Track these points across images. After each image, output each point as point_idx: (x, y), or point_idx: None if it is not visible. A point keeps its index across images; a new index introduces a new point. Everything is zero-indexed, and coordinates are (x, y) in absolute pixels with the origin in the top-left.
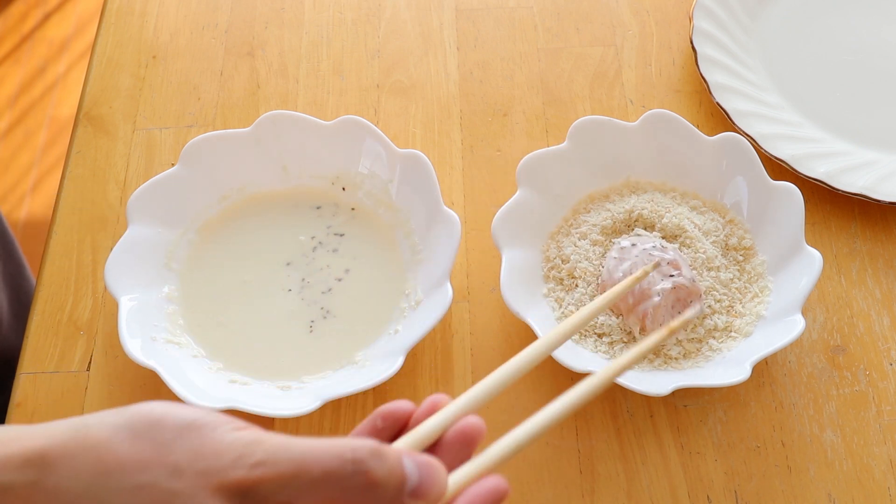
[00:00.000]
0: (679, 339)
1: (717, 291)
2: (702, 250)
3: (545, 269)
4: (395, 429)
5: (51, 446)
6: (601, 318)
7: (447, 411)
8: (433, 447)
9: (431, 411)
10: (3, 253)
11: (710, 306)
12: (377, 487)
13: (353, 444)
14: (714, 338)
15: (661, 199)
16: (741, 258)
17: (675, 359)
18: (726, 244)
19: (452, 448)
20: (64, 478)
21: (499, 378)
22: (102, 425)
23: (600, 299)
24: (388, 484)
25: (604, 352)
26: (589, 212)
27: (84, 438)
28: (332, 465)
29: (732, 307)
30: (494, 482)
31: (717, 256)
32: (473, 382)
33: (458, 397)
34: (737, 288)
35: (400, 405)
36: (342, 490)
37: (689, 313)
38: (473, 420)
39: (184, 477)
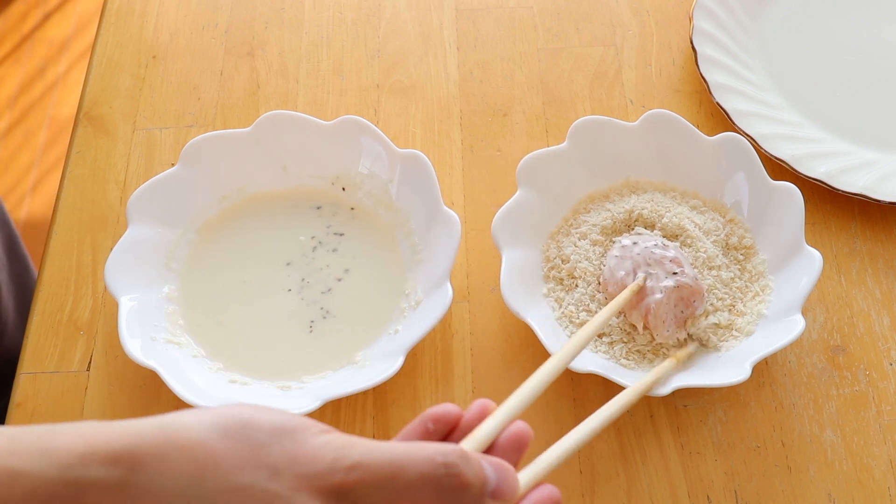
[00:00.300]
0: (682, 338)
1: (719, 290)
2: (702, 249)
3: (545, 269)
4: (445, 432)
5: (140, 444)
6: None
7: (496, 417)
8: (488, 450)
9: (481, 416)
10: (9, 252)
11: (711, 304)
12: (467, 489)
13: (442, 449)
14: (716, 336)
15: (661, 198)
16: (742, 257)
17: (666, 356)
18: (727, 243)
19: (507, 451)
20: (157, 478)
21: (536, 384)
22: (193, 425)
23: (606, 309)
24: (475, 485)
25: (604, 352)
26: (589, 212)
27: (176, 438)
28: (426, 469)
29: (734, 306)
30: (550, 490)
31: (717, 255)
32: (473, 382)
33: (503, 404)
34: (738, 287)
35: (449, 409)
36: (435, 491)
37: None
38: (523, 425)
39: (283, 479)
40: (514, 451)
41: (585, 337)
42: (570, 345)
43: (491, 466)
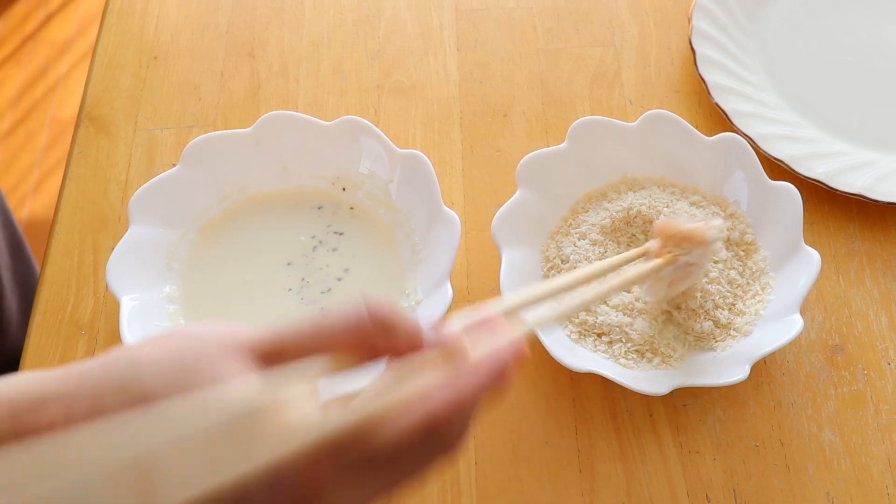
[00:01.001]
0: (684, 335)
1: (722, 287)
2: None
3: (545, 269)
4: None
5: (85, 363)
6: (601, 318)
7: (463, 321)
8: None
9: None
10: (13, 252)
11: (713, 300)
12: (393, 328)
13: (366, 297)
14: (714, 337)
15: (660, 194)
16: (743, 253)
17: (675, 358)
18: (728, 238)
19: (472, 333)
20: (100, 379)
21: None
22: (131, 343)
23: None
24: (404, 324)
25: (603, 351)
26: (587, 211)
27: (115, 352)
28: (348, 314)
29: (734, 305)
30: (514, 339)
31: (721, 249)
32: None
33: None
34: (739, 285)
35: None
36: (359, 334)
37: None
38: (494, 314)
39: (207, 346)
40: (476, 329)
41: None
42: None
43: (427, 326)
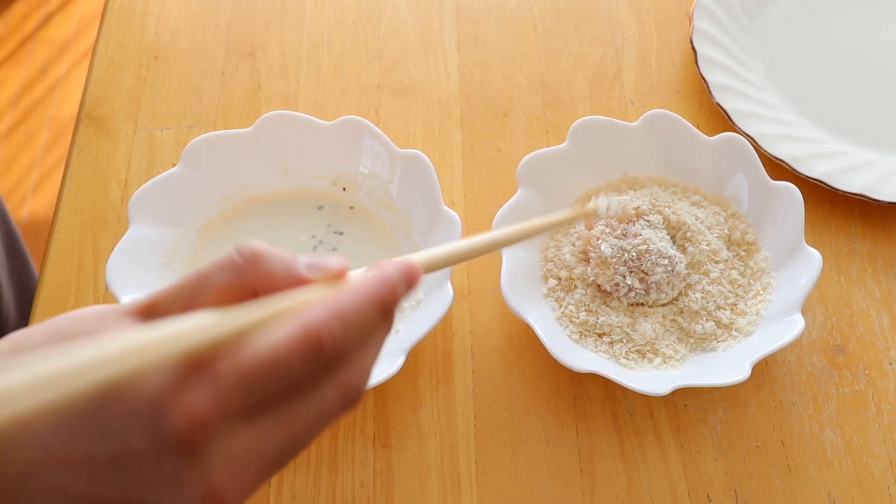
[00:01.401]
0: (685, 334)
1: (723, 287)
2: (705, 242)
3: (545, 269)
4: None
5: None
6: (602, 318)
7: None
8: None
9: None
10: (9, 251)
11: (714, 301)
12: (264, 257)
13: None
14: (716, 337)
15: (661, 193)
16: (744, 253)
17: (676, 358)
18: (729, 238)
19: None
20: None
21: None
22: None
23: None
24: (274, 253)
25: (604, 352)
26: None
27: (4, 340)
28: (218, 258)
29: (736, 305)
30: (406, 261)
31: (721, 249)
32: (474, 382)
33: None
34: (740, 285)
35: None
36: (232, 272)
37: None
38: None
39: (87, 320)
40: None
41: (515, 233)
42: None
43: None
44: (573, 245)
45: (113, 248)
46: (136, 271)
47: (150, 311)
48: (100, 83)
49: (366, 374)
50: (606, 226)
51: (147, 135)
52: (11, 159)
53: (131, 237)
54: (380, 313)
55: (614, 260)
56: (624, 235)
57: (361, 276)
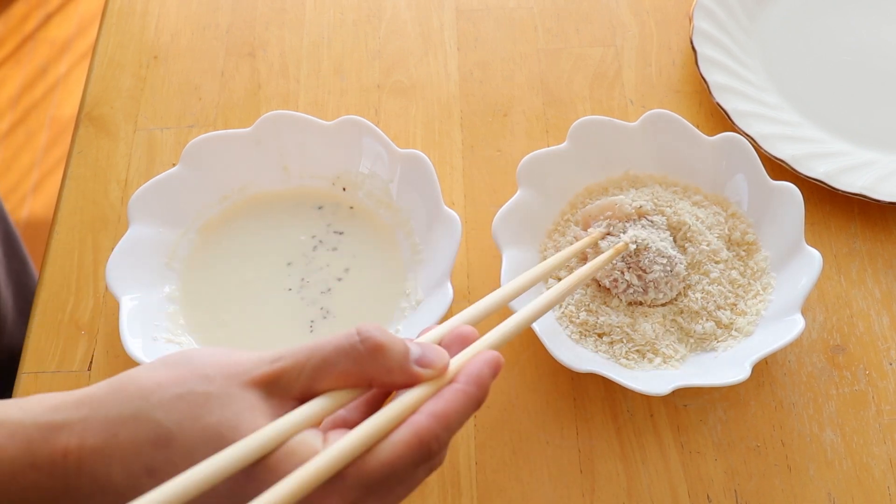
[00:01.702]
0: (686, 334)
1: (723, 287)
2: (705, 242)
3: None
4: None
5: (98, 389)
6: (602, 318)
7: (440, 328)
8: None
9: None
10: (7, 250)
11: (714, 301)
12: (384, 351)
13: (359, 325)
14: (716, 337)
15: (662, 192)
16: (744, 253)
17: (676, 358)
18: (729, 238)
19: (450, 347)
20: (113, 408)
21: (490, 303)
22: (139, 367)
23: (576, 275)
24: (393, 348)
25: (604, 352)
26: (587, 206)
27: (127, 378)
28: (341, 340)
29: (736, 305)
30: (489, 353)
31: (722, 249)
32: None
33: (449, 320)
34: (741, 285)
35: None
36: (353, 360)
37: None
38: (467, 328)
39: (215, 381)
40: (456, 346)
41: (558, 295)
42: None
43: (415, 343)
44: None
45: (113, 248)
46: (136, 271)
47: (275, 384)
48: (100, 83)
49: (447, 448)
50: (606, 227)
51: (147, 135)
52: (11, 159)
53: (131, 237)
54: (474, 409)
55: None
56: (623, 233)
57: (463, 375)
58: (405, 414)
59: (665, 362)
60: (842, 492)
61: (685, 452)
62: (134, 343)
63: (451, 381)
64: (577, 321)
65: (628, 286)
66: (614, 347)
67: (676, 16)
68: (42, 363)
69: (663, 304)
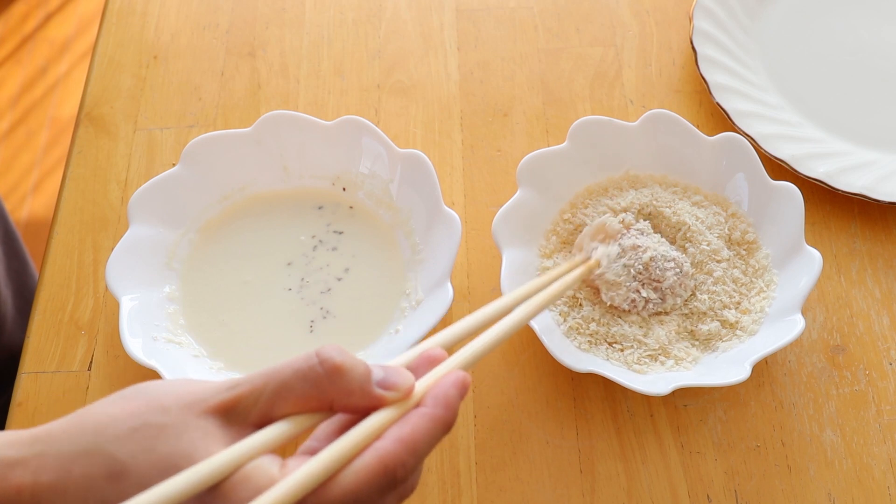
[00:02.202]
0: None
1: (727, 286)
2: (705, 242)
3: (543, 269)
4: None
5: (53, 426)
6: (614, 329)
7: (411, 351)
8: None
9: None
10: (7, 250)
11: (720, 300)
12: (343, 374)
13: (318, 348)
14: (720, 337)
15: (661, 193)
16: (745, 252)
17: (688, 360)
18: (729, 238)
19: (418, 369)
20: (66, 444)
21: (461, 328)
22: (97, 402)
23: (569, 278)
24: (353, 370)
25: (616, 359)
26: (587, 207)
27: (83, 414)
28: (300, 363)
29: (740, 304)
30: (457, 374)
31: (722, 249)
32: (474, 382)
33: (424, 342)
34: (743, 283)
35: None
36: (312, 384)
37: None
38: (437, 350)
39: (171, 412)
40: (424, 367)
41: (537, 306)
42: (522, 310)
43: (378, 365)
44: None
45: (113, 248)
46: (136, 271)
47: (232, 411)
48: (100, 83)
49: (419, 474)
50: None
51: (147, 135)
52: (11, 159)
53: (131, 237)
54: (443, 433)
55: (622, 278)
56: (623, 253)
57: (429, 398)
58: (369, 439)
59: (677, 364)
60: (842, 492)
61: (685, 452)
62: (134, 343)
63: (417, 405)
64: (588, 332)
65: (647, 302)
66: (625, 353)
67: (676, 16)
68: (42, 363)
69: (675, 309)
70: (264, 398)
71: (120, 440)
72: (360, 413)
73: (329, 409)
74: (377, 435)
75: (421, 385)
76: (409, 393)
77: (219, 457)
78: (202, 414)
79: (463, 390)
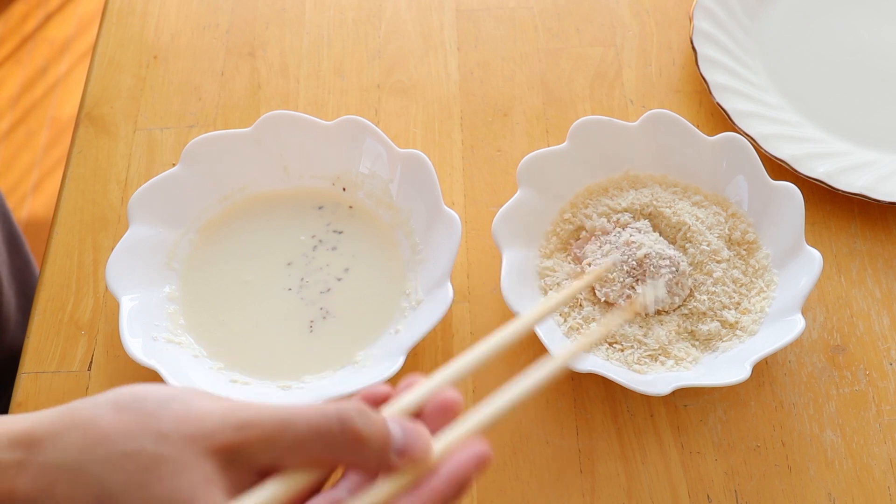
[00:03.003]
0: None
1: (727, 286)
2: (705, 243)
3: (542, 284)
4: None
5: (37, 427)
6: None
7: (424, 387)
8: (414, 418)
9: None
10: (10, 249)
11: (720, 301)
12: (363, 443)
13: (338, 404)
14: (720, 337)
15: (661, 193)
16: (745, 252)
17: (688, 360)
18: (729, 238)
19: (433, 419)
20: (52, 454)
21: (476, 356)
22: (86, 404)
23: (576, 285)
24: (373, 440)
25: (616, 359)
26: (587, 207)
27: (70, 418)
28: (318, 422)
29: (740, 304)
30: (478, 448)
31: (722, 249)
32: (474, 382)
33: (434, 375)
34: (743, 283)
35: (380, 388)
36: (328, 447)
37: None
38: (452, 393)
39: (170, 442)
40: (441, 417)
41: (547, 307)
42: (526, 317)
43: (398, 426)
44: (568, 275)
45: (113, 248)
46: (136, 271)
47: (236, 454)
48: (99, 83)
49: None
50: (596, 246)
51: (147, 135)
52: (11, 159)
53: (131, 237)
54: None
55: (616, 274)
56: (616, 248)
57: (445, 473)
58: None
59: (678, 364)
60: (842, 492)
61: (685, 452)
62: (134, 343)
63: (431, 470)
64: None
65: (656, 300)
66: (626, 353)
67: (676, 16)
68: (42, 363)
69: (675, 309)
70: (275, 450)
71: (111, 464)
72: (371, 475)
73: (335, 466)
74: None
75: (436, 445)
76: (426, 462)
77: None
78: (205, 452)
79: (482, 468)
